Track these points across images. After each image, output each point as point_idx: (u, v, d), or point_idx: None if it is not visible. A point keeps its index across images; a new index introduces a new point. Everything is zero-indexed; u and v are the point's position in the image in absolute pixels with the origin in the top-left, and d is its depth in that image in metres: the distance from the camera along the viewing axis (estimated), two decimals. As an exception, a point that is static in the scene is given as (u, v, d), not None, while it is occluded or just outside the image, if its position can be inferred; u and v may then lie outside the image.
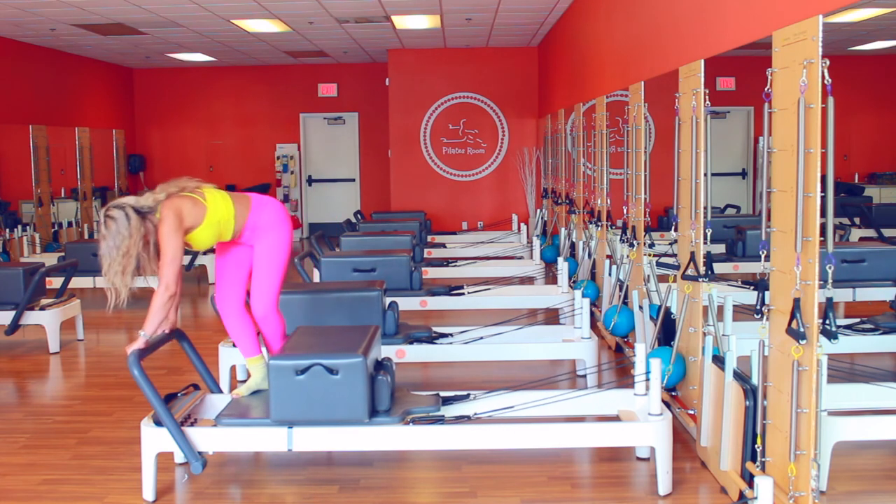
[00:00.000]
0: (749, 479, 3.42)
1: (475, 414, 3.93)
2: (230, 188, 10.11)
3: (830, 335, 3.00)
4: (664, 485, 3.65)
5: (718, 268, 4.69)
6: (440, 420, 3.80)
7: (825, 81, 2.93)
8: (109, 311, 3.96)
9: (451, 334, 5.42)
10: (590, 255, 7.46)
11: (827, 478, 3.44)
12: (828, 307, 3.03)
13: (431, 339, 5.28)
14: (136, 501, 3.70)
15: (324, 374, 3.59)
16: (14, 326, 6.38)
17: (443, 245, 10.08)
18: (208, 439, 3.70)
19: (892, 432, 3.75)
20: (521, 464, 4.01)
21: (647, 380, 3.78)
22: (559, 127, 9.69)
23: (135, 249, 3.67)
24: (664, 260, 5.09)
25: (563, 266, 6.76)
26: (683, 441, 4.25)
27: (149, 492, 3.68)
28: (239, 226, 3.93)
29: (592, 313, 6.76)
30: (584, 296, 5.36)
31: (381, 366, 3.87)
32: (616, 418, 3.98)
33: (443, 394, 4.07)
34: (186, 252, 4.06)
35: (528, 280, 8.18)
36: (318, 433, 3.68)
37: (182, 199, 3.78)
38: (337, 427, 3.68)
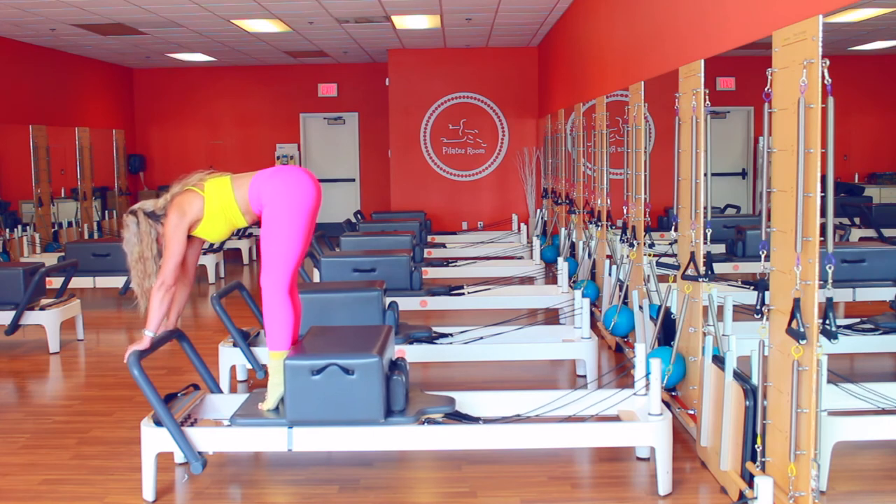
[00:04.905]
0: (749, 479, 3.42)
1: (482, 420, 3.94)
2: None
3: (830, 335, 3.00)
4: (664, 485, 3.65)
5: (718, 268, 4.69)
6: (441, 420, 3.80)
7: (825, 81, 2.93)
8: (142, 313, 3.92)
9: (451, 334, 5.42)
10: (590, 255, 7.46)
11: (827, 478, 3.44)
12: (828, 307, 3.03)
13: (431, 339, 5.28)
14: (136, 501, 3.70)
15: (339, 374, 3.59)
16: (14, 326, 6.38)
17: (443, 245, 10.08)
18: (220, 440, 3.70)
19: (892, 432, 3.76)
20: (521, 464, 4.01)
21: (648, 380, 3.77)
22: (559, 127, 9.70)
23: (149, 253, 3.78)
24: (664, 260, 5.09)
25: (563, 266, 6.76)
26: (683, 441, 4.25)
27: (149, 492, 3.68)
28: (244, 207, 3.81)
29: (592, 313, 6.76)
30: (584, 296, 5.36)
31: (396, 365, 3.87)
32: (616, 418, 3.98)
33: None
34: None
35: (528, 280, 8.18)
36: (334, 433, 3.67)
37: (183, 196, 3.81)
38: (352, 427, 3.67)
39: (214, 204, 3.79)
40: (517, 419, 3.93)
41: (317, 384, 3.60)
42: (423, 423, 3.74)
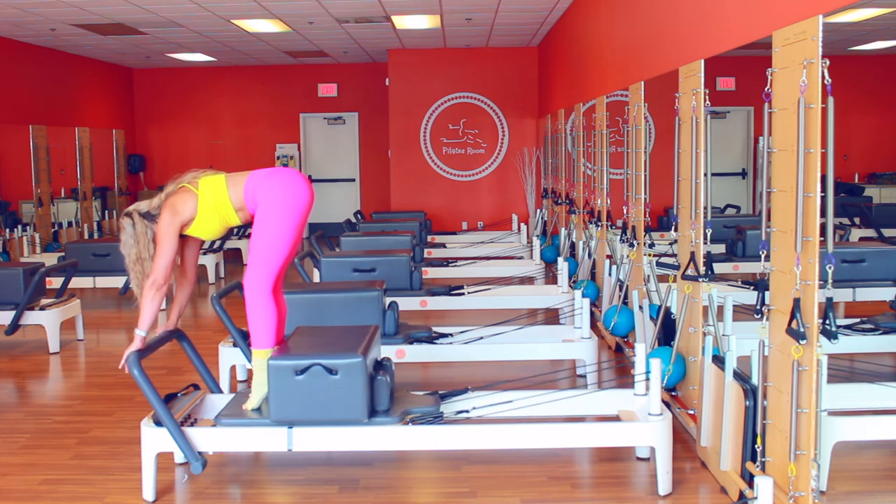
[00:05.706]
0: (749, 479, 3.42)
1: (473, 408, 3.93)
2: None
3: (830, 335, 3.00)
4: (664, 485, 3.65)
5: (718, 268, 4.69)
6: (439, 419, 3.79)
7: (825, 81, 2.93)
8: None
9: (451, 334, 5.41)
10: (590, 255, 7.46)
11: (827, 478, 3.44)
12: (828, 307, 3.03)
13: (431, 339, 5.27)
14: (136, 501, 3.70)
15: (323, 374, 3.59)
16: (14, 326, 6.38)
17: (443, 245, 10.08)
18: (208, 439, 3.69)
19: (892, 432, 3.75)
20: (521, 464, 4.01)
21: (647, 380, 3.77)
22: (559, 127, 9.70)
23: (146, 253, 3.78)
24: (664, 260, 5.09)
25: (563, 266, 6.76)
26: (683, 441, 4.25)
27: (149, 492, 3.68)
28: (238, 205, 3.81)
29: (592, 313, 6.76)
30: (584, 296, 5.36)
31: (381, 366, 3.87)
32: (616, 418, 3.98)
33: (441, 391, 4.07)
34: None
35: (528, 280, 8.18)
36: (318, 433, 3.67)
37: (177, 195, 3.80)
38: (336, 427, 3.67)
39: (208, 201, 3.79)
40: (513, 419, 3.93)
41: (300, 384, 3.60)
42: (408, 423, 3.73)
